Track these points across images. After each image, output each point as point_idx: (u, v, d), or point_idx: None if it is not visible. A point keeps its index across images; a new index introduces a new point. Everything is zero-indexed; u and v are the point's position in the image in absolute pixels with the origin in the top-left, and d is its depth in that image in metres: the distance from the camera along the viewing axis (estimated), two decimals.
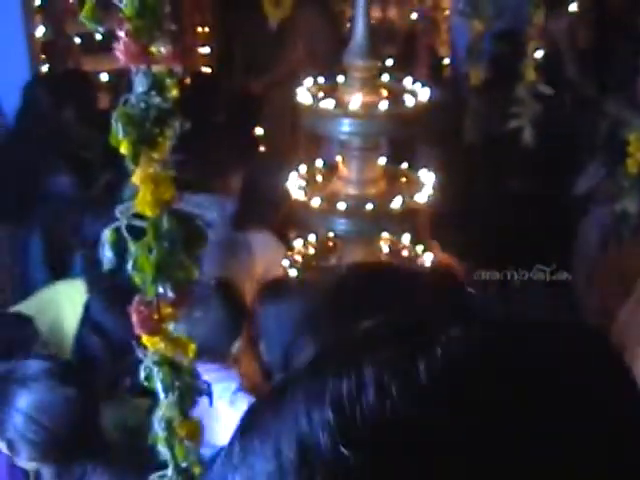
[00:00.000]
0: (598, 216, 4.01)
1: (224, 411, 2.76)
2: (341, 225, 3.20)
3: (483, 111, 4.97)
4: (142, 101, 1.52)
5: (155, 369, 1.77)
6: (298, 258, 3.40)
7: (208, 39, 6.12)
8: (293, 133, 5.32)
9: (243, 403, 2.77)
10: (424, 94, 3.21)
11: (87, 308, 3.12)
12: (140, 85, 1.53)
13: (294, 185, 3.27)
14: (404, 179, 3.41)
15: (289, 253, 3.42)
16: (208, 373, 2.77)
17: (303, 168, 3.39)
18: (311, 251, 3.48)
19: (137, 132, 1.52)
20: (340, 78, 3.28)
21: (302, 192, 3.23)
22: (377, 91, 3.22)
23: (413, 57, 5.26)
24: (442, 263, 3.49)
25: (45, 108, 4.50)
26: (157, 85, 1.52)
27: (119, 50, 1.49)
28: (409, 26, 6.11)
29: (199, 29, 6.13)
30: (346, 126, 3.11)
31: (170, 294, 1.67)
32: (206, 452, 2.52)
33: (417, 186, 3.31)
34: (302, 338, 2.68)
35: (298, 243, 3.45)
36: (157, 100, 1.53)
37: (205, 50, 6.01)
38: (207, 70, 5.83)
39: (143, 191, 1.58)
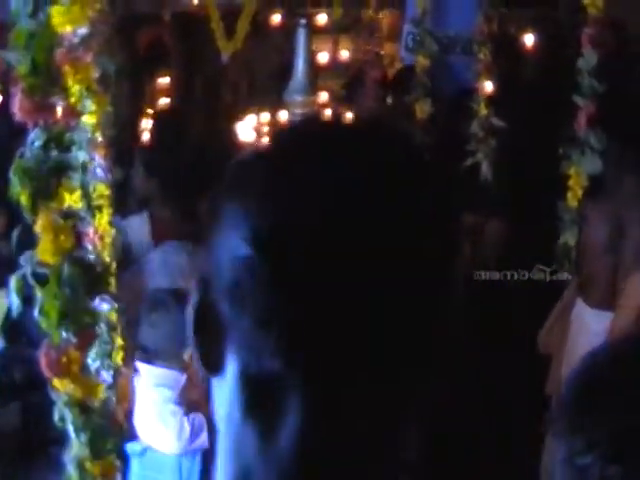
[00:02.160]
0: None
1: (151, 414, 2.95)
2: None
3: (431, 145, 5.03)
4: (38, 154, 1.58)
5: (66, 410, 1.82)
6: None
7: (167, 70, 6.20)
8: None
9: (168, 413, 2.95)
10: None
11: None
12: (36, 139, 1.60)
13: None
14: None
15: None
16: (153, 374, 2.99)
17: None
18: None
19: (34, 184, 1.59)
20: (282, 113, 3.35)
21: None
22: None
23: (361, 91, 5.33)
24: None
25: None
26: (54, 139, 1.59)
27: (15, 107, 1.55)
28: (359, 60, 6.20)
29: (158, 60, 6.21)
30: None
31: (73, 339, 1.72)
32: (137, 447, 2.71)
33: None
34: None
35: None
36: (54, 153, 1.59)
37: (164, 81, 6.10)
38: (166, 101, 5.91)
39: (44, 240, 1.64)
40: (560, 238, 3.80)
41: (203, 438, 2.97)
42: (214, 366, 0.76)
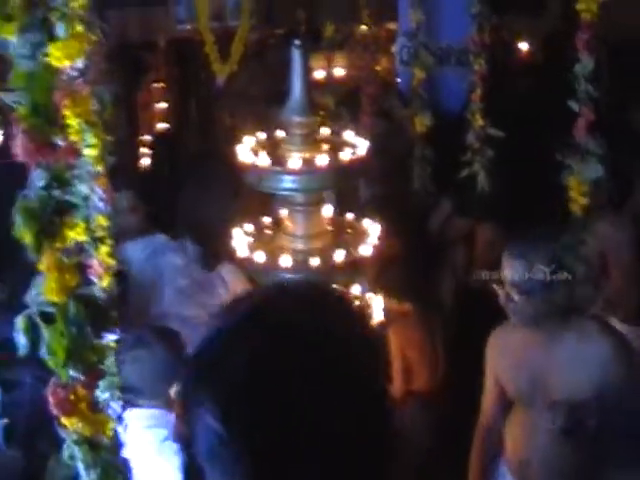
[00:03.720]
0: None
1: (151, 458, 2.91)
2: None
3: (431, 158, 5.06)
4: (41, 195, 1.59)
5: (75, 448, 1.82)
6: None
7: (163, 95, 6.26)
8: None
9: (170, 452, 2.90)
10: (363, 146, 3.28)
11: None
12: (38, 179, 1.60)
13: (240, 242, 3.32)
14: (350, 230, 3.46)
15: None
16: (142, 417, 2.95)
17: (249, 226, 3.44)
18: None
19: (38, 224, 1.59)
20: (280, 134, 3.35)
21: (246, 248, 3.28)
22: (317, 146, 3.27)
23: (357, 107, 5.35)
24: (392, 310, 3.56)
25: None
26: (56, 178, 1.59)
27: (16, 147, 1.56)
28: (353, 76, 6.23)
29: (155, 85, 6.28)
30: (287, 183, 3.16)
31: (81, 377, 1.72)
32: None
33: (363, 237, 3.37)
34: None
35: None
36: (57, 193, 1.60)
37: (162, 105, 6.15)
38: (164, 126, 5.96)
39: (49, 279, 1.64)
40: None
41: None
42: None
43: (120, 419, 2.06)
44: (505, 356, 3.23)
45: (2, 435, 2.59)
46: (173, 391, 3.05)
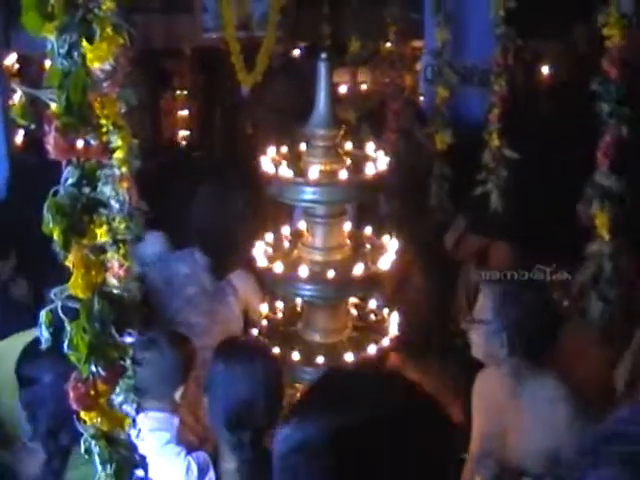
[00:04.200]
0: None
1: (152, 460, 2.89)
2: (306, 291, 3.26)
3: (448, 176, 5.08)
4: (71, 192, 1.62)
5: (92, 442, 1.85)
6: (264, 323, 3.48)
7: (187, 103, 6.30)
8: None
9: (172, 454, 2.92)
10: (384, 161, 3.30)
11: None
12: (69, 177, 1.63)
13: (260, 252, 3.35)
14: (368, 245, 3.48)
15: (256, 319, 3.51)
16: (147, 420, 2.98)
17: (269, 236, 3.47)
18: (279, 316, 3.56)
19: (67, 221, 1.62)
20: (303, 146, 3.38)
21: (266, 259, 3.31)
22: (339, 159, 3.31)
23: (379, 122, 5.39)
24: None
25: None
26: (86, 177, 1.63)
27: (49, 145, 1.59)
28: (376, 91, 6.27)
29: (178, 92, 6.32)
30: (308, 194, 3.19)
31: (102, 373, 1.75)
32: None
33: (381, 251, 3.40)
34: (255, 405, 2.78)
35: (264, 308, 3.54)
36: (86, 190, 1.63)
37: (184, 113, 6.18)
38: (186, 134, 5.98)
39: (75, 275, 1.67)
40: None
41: (211, 475, 2.95)
42: None
43: (134, 422, 2.09)
44: None
45: (26, 430, 2.63)
46: (178, 394, 3.10)
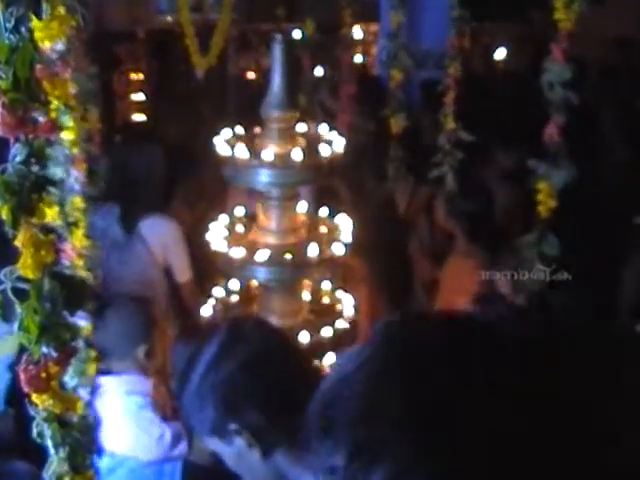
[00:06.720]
0: None
1: (127, 423, 3.01)
2: (261, 273, 3.24)
3: (404, 159, 5.10)
4: (20, 169, 1.59)
5: (45, 425, 1.82)
6: (219, 307, 3.46)
7: (142, 86, 6.23)
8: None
9: (146, 420, 2.95)
10: (340, 143, 3.29)
11: None
12: (18, 154, 1.60)
13: (215, 235, 3.33)
14: (323, 226, 3.48)
15: (210, 301, 3.49)
16: (120, 383, 3.02)
17: (224, 218, 3.45)
18: (233, 299, 3.54)
19: (15, 199, 1.59)
20: (257, 128, 3.36)
21: (223, 242, 3.29)
22: (294, 141, 3.29)
23: (336, 105, 5.38)
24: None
25: None
26: (35, 154, 1.60)
27: None
28: (333, 74, 6.25)
29: (133, 76, 6.25)
30: (263, 176, 3.17)
31: (54, 354, 1.73)
32: (105, 461, 2.66)
33: (335, 233, 3.40)
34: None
35: (219, 292, 3.51)
36: (35, 168, 1.60)
37: (139, 97, 6.11)
38: (141, 117, 5.93)
39: (24, 255, 1.64)
40: None
41: (183, 446, 2.97)
42: None
43: (89, 405, 2.07)
44: None
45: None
46: (141, 352, 3.13)
